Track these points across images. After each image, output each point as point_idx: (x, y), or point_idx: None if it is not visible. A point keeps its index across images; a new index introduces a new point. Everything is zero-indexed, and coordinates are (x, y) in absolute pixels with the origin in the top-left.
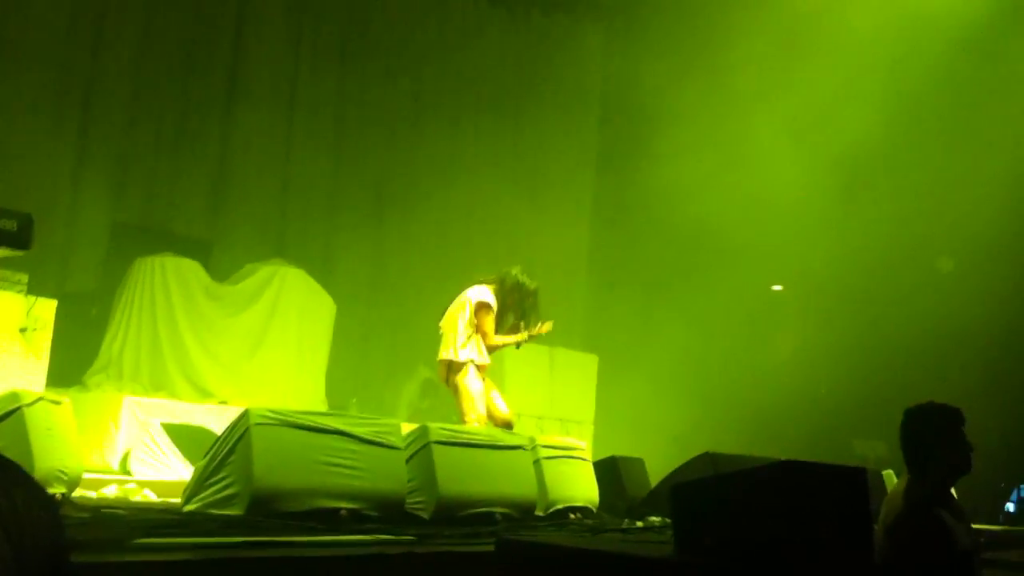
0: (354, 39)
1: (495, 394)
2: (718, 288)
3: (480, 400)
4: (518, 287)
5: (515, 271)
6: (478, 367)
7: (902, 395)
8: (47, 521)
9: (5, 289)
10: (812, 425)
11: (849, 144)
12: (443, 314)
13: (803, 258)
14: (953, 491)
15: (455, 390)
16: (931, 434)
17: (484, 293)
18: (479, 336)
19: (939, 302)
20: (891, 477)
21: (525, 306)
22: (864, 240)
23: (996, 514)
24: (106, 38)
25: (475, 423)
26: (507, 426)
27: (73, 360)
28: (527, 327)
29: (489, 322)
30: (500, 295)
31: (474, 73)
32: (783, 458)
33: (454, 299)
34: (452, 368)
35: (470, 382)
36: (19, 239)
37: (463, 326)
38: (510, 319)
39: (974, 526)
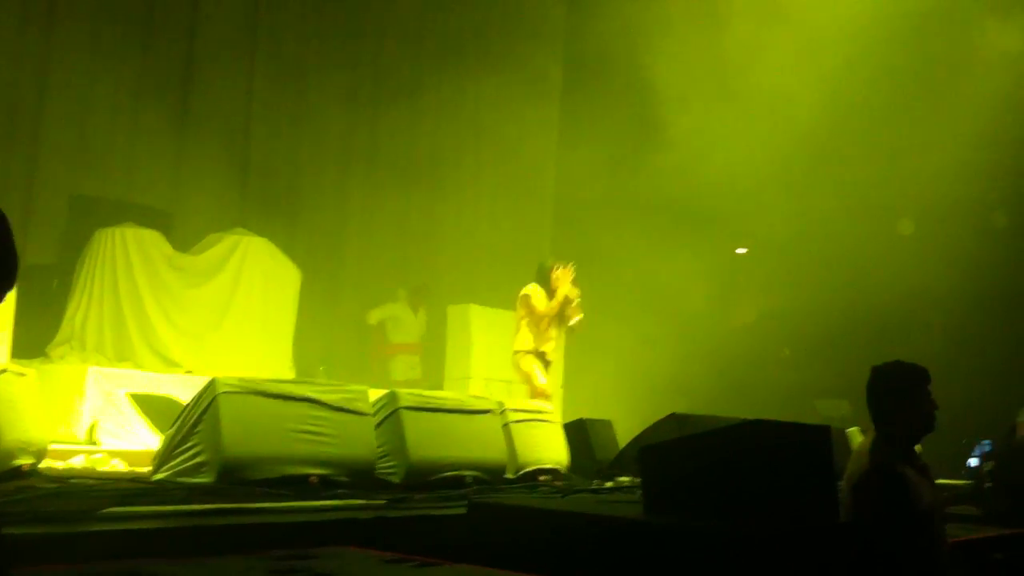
0: (314, 6)
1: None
2: (682, 254)
3: (532, 372)
4: (543, 270)
5: (545, 262)
6: (534, 354)
7: (866, 355)
8: None
9: None
10: (777, 386)
11: (812, 111)
12: None
13: (767, 223)
14: (918, 448)
15: (523, 378)
16: (897, 392)
17: (528, 289)
18: (532, 327)
19: (901, 264)
20: (855, 435)
21: (554, 283)
22: (827, 204)
23: (959, 470)
24: (61, 9)
25: (535, 391)
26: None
27: (36, 333)
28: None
29: (536, 303)
30: (543, 284)
31: (434, 40)
32: (745, 419)
33: None
34: (516, 359)
35: (528, 369)
36: None
37: (518, 323)
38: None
39: (938, 482)
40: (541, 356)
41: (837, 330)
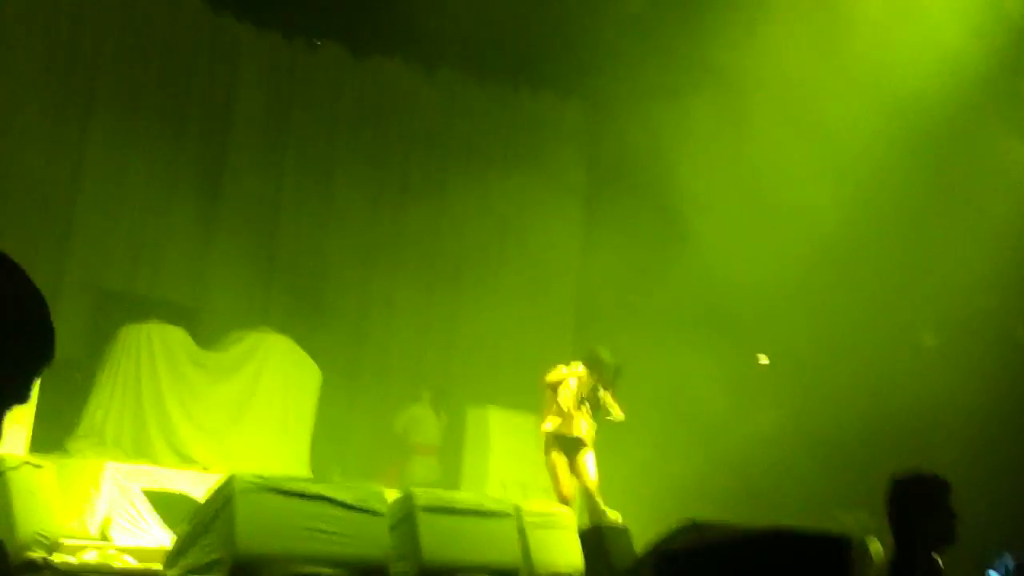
0: (344, 109)
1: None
2: (703, 360)
3: (557, 472)
4: (596, 361)
5: (598, 348)
6: (555, 438)
7: (887, 465)
8: None
9: None
10: (796, 495)
11: (835, 220)
12: None
13: (789, 332)
14: (940, 560)
15: (548, 470)
16: (917, 504)
17: (562, 371)
18: (559, 411)
19: (923, 375)
20: (875, 543)
21: (603, 379)
22: (849, 314)
23: None
24: (95, 106)
25: (558, 494)
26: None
27: (56, 427)
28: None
29: (559, 395)
30: (589, 370)
31: (459, 142)
32: (766, 526)
33: None
34: (545, 441)
35: (555, 465)
36: None
37: (551, 404)
38: (599, 391)
39: None
40: (565, 441)
41: (858, 439)
